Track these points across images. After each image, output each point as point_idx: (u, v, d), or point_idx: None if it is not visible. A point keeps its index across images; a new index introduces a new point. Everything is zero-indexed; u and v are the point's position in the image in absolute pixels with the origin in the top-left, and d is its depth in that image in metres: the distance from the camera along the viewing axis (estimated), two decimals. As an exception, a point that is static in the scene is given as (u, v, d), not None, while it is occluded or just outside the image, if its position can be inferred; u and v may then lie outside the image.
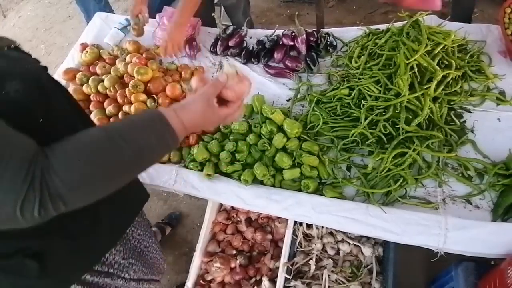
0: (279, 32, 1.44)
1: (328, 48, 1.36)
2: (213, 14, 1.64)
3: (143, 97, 1.31)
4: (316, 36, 1.39)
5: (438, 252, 0.89)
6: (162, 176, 1.16)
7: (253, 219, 1.26)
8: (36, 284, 0.71)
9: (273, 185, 1.10)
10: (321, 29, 1.41)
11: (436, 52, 0.99)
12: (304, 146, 1.11)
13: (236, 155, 1.14)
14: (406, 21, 1.07)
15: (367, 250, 1.10)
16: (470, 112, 1.06)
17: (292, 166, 1.10)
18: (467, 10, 1.41)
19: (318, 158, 1.10)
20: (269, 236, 1.20)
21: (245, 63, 1.45)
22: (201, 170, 1.13)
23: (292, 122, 1.14)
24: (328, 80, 1.30)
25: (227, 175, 1.14)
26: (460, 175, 0.97)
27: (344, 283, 1.05)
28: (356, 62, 1.19)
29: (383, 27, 1.22)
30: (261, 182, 1.11)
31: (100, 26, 1.77)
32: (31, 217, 0.44)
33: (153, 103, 1.31)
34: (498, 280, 0.80)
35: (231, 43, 1.47)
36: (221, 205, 1.32)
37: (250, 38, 1.55)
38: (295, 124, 1.13)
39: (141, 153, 0.53)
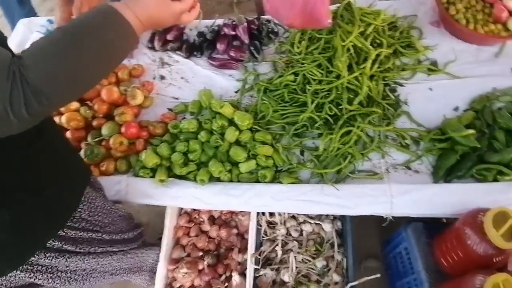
0: (220, 22, 1.40)
1: (270, 35, 1.35)
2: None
3: (75, 105, 1.19)
4: (257, 23, 1.37)
5: (387, 217, 0.96)
6: (112, 188, 1.08)
7: (216, 217, 1.24)
8: (9, 240, 0.71)
9: (231, 180, 1.09)
10: (261, 16, 1.40)
11: (368, 32, 1.04)
12: (257, 136, 1.11)
13: (189, 155, 1.10)
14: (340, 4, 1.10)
15: (327, 226, 1.16)
16: (403, 86, 1.14)
17: (248, 158, 1.09)
18: None
19: (272, 147, 1.11)
20: (235, 231, 1.20)
21: (187, 57, 1.39)
22: (153, 176, 1.07)
23: (243, 114, 1.13)
24: (273, 68, 1.31)
25: (182, 177, 1.10)
26: (399, 144, 1.05)
27: (310, 261, 1.10)
28: (298, 48, 1.20)
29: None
30: (218, 179, 1.10)
31: (23, 33, 1.58)
32: (20, 114, 0.48)
33: (87, 111, 1.20)
34: (455, 239, 0.87)
35: (169, 37, 1.39)
36: (181, 208, 1.28)
37: (191, 30, 1.48)
38: (245, 116, 1.12)
39: (102, 44, 0.56)
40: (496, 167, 0.92)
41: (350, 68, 1.08)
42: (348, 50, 1.03)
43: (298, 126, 1.11)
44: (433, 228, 1.04)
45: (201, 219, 1.22)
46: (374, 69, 1.09)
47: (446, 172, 0.97)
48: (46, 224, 0.79)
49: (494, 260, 0.81)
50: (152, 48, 1.43)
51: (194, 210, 1.26)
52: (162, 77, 1.38)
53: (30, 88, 0.48)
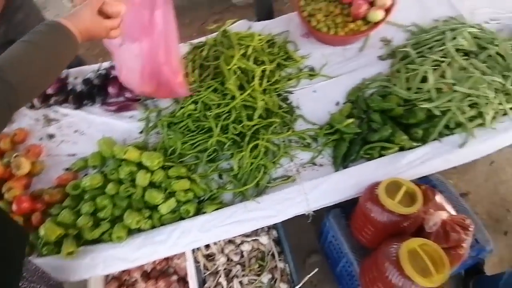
0: (107, 64, 1.34)
1: (163, 69, 1.35)
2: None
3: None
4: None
5: (309, 214, 1.04)
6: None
7: (150, 270, 1.15)
8: None
9: (154, 226, 1.03)
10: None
11: (249, 53, 1.14)
12: (170, 173, 1.08)
13: (98, 214, 1.00)
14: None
15: (264, 239, 1.19)
16: (292, 93, 1.27)
17: (166, 198, 1.05)
18: (267, 9, 1.69)
19: (189, 179, 1.09)
20: (174, 277, 1.13)
21: (77, 108, 1.28)
22: (59, 251, 0.93)
23: (150, 154, 1.09)
24: (174, 100, 1.30)
25: (96, 241, 0.99)
26: (302, 145, 1.16)
27: (256, 279, 1.11)
28: (192, 77, 1.23)
29: (203, 39, 1.30)
30: (139, 230, 1.02)
31: None
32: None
33: None
34: (363, 215, 0.97)
35: (50, 91, 1.27)
36: (107, 274, 1.15)
37: (76, 78, 1.37)
38: (153, 155, 1.08)
39: (57, 53, 0.70)
40: (378, 145, 1.09)
41: (242, 88, 1.15)
42: (235, 72, 1.10)
43: (210, 151, 1.12)
44: (350, 210, 1.16)
45: (134, 279, 1.12)
46: (265, 84, 1.19)
47: (342, 159, 1.10)
48: None
49: (403, 226, 0.91)
50: (32, 106, 1.28)
51: (123, 271, 1.15)
52: (51, 136, 1.24)
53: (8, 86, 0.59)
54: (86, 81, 1.30)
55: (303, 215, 1.04)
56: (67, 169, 1.16)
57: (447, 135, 1.10)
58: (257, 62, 1.19)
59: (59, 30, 0.70)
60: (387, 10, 1.24)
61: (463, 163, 1.11)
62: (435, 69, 1.15)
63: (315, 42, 1.38)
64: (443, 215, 0.97)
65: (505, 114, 1.13)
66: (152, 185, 1.07)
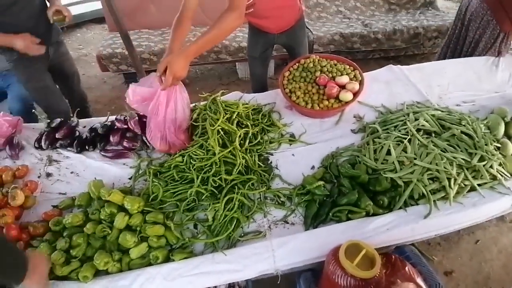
0: (112, 118, 1.53)
1: (162, 125, 1.53)
2: (33, 111, 1.58)
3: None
4: (149, 116, 1.55)
5: (277, 273, 1.04)
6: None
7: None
8: None
9: (121, 270, 1.05)
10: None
11: (233, 117, 1.32)
12: (148, 218, 1.14)
13: (72, 251, 1.04)
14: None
15: (231, 298, 1.15)
16: (273, 155, 1.40)
17: (138, 242, 1.09)
18: (262, 84, 1.97)
19: (164, 226, 1.14)
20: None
21: (79, 152, 1.43)
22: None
23: (133, 198, 1.17)
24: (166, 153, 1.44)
25: (65, 277, 1.00)
26: (276, 203, 1.23)
27: None
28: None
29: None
30: (107, 272, 1.03)
31: None
32: None
33: None
34: (327, 279, 0.97)
35: (58, 135, 1.43)
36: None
37: (84, 127, 1.56)
38: (135, 199, 1.16)
39: None
40: (346, 208, 1.15)
41: (226, 146, 1.29)
42: (218, 132, 1.26)
43: (189, 200, 1.20)
44: (320, 273, 1.15)
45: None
46: (246, 145, 1.33)
47: (312, 219, 1.15)
48: None
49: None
50: (39, 147, 1.43)
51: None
52: (49, 174, 1.36)
53: None
54: (92, 130, 1.48)
55: (275, 278, 1.04)
56: (55, 206, 1.23)
57: (412, 205, 1.17)
58: (241, 126, 1.36)
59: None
60: (356, 93, 1.46)
61: (429, 235, 1.14)
62: (398, 144, 1.29)
63: (297, 114, 1.57)
64: (410, 287, 0.97)
65: (473, 190, 1.20)
66: (128, 228, 1.12)
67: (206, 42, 1.25)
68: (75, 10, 4.75)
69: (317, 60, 1.60)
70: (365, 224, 1.11)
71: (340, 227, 1.12)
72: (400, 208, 1.15)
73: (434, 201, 1.15)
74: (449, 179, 1.18)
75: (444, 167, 1.19)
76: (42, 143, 1.41)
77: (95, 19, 4.99)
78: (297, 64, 1.64)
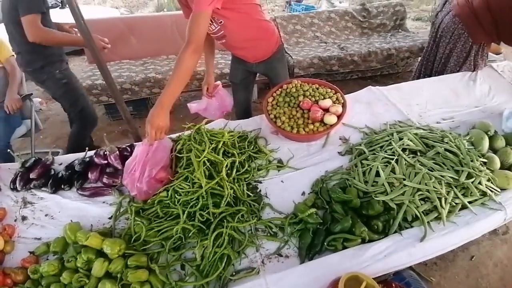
0: (91, 153, 1.46)
1: (144, 158, 1.47)
2: (8, 150, 1.49)
3: None
4: (130, 149, 1.49)
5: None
6: None
7: None
8: None
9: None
10: (134, 143, 1.54)
11: (219, 147, 1.28)
12: (129, 262, 1.05)
13: (45, 306, 0.93)
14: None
15: None
16: (261, 183, 1.36)
17: (119, 291, 0.99)
18: (245, 110, 1.96)
19: (148, 269, 1.05)
20: None
21: (54, 192, 1.33)
22: None
23: (113, 241, 1.08)
24: (149, 186, 1.37)
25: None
26: (268, 234, 1.17)
27: None
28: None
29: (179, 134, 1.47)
30: (83, 329, 0.92)
31: None
32: None
33: None
34: None
35: (32, 175, 1.34)
36: None
37: (60, 164, 1.47)
38: (116, 242, 1.07)
39: None
40: (341, 236, 1.11)
41: (212, 177, 1.24)
42: (205, 163, 1.21)
43: (175, 238, 1.12)
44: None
45: None
46: (234, 174, 1.28)
47: (307, 250, 1.10)
48: None
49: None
50: (15, 189, 1.33)
51: None
52: (24, 218, 1.26)
53: None
54: (68, 167, 1.39)
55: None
56: (31, 253, 1.14)
57: (407, 227, 1.14)
58: (227, 155, 1.32)
59: None
60: (339, 116, 1.47)
61: (427, 258, 1.11)
62: (386, 165, 1.28)
63: (283, 139, 1.56)
64: (414, 317, 0.92)
65: (464, 208, 1.19)
66: (108, 275, 1.03)
67: (174, 87, 1.24)
68: (54, 43, 4.72)
69: (299, 85, 1.62)
70: (362, 252, 1.06)
71: (337, 257, 1.06)
72: (395, 232, 1.12)
73: (428, 222, 1.14)
74: (439, 199, 1.17)
75: (434, 187, 1.18)
76: (17, 184, 1.31)
77: (75, 52, 4.96)
78: (279, 89, 1.65)
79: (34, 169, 1.35)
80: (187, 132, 1.40)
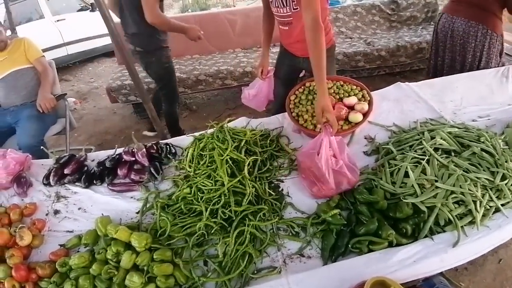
0: (120, 150, 1.52)
1: (169, 155, 1.51)
2: (41, 147, 1.59)
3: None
4: (156, 147, 1.54)
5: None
6: None
7: None
8: None
9: (127, 316, 0.98)
10: (160, 141, 1.59)
11: (241, 145, 1.28)
12: (155, 256, 1.08)
13: (76, 295, 0.98)
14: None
15: None
16: (283, 182, 1.34)
17: (146, 283, 1.03)
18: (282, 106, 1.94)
19: (173, 264, 1.08)
20: None
21: (86, 187, 1.41)
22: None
23: (140, 234, 1.12)
24: (174, 184, 1.41)
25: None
26: (290, 234, 1.16)
27: None
28: (191, 163, 1.36)
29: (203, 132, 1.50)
30: (112, 318, 0.97)
31: None
32: None
33: None
34: None
35: (67, 171, 1.42)
36: None
37: (92, 161, 1.55)
38: (142, 236, 1.11)
39: None
40: (366, 238, 1.07)
41: (234, 175, 1.25)
42: (227, 161, 1.22)
43: (198, 235, 1.14)
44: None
45: None
46: (256, 173, 1.28)
47: (330, 252, 1.07)
48: None
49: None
50: (48, 184, 1.42)
51: None
52: (56, 212, 1.33)
53: None
54: (100, 164, 1.46)
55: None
56: (62, 245, 1.20)
57: (439, 232, 1.08)
58: (249, 153, 1.32)
59: None
60: (365, 114, 1.41)
61: (459, 263, 1.04)
62: (416, 165, 1.22)
63: (306, 137, 1.53)
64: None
65: (497, 211, 1.12)
66: (135, 267, 1.07)
67: (322, 70, 1.31)
68: (86, 46, 5.01)
69: (323, 82, 1.58)
70: (389, 256, 1.02)
71: (362, 260, 1.03)
72: (426, 236, 1.06)
73: (461, 227, 1.06)
74: (474, 202, 1.09)
75: (469, 189, 1.11)
76: (51, 180, 1.40)
77: (106, 53, 5.23)
78: (302, 87, 1.62)
79: (68, 165, 1.44)
80: (210, 131, 1.42)
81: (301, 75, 1.96)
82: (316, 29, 1.28)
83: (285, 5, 1.45)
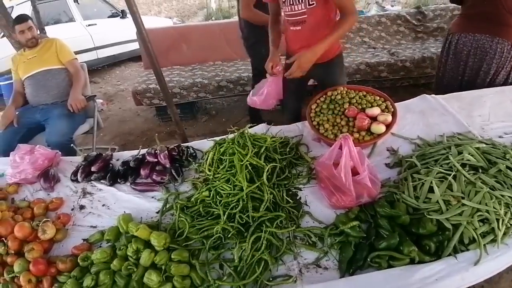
0: (144, 151, 1.58)
1: (189, 158, 1.55)
2: (71, 145, 1.68)
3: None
4: (178, 150, 1.58)
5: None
6: None
7: None
8: None
9: (144, 312, 1.00)
10: (181, 144, 1.63)
11: (261, 152, 1.30)
12: (173, 256, 1.10)
13: (96, 289, 1.02)
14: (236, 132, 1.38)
15: None
16: (301, 190, 1.34)
17: (163, 282, 1.05)
18: (295, 117, 1.93)
19: (189, 264, 1.10)
20: None
21: (111, 185, 1.46)
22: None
23: (159, 234, 1.15)
24: (193, 186, 1.44)
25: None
26: (307, 243, 1.14)
27: None
28: (209, 171, 1.38)
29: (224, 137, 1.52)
30: (130, 313, 0.99)
31: None
32: None
33: (2, 247, 1.15)
34: None
35: (94, 168, 1.49)
36: None
37: (117, 160, 1.62)
38: (162, 235, 1.14)
39: None
40: (387, 253, 1.04)
41: (253, 181, 1.26)
42: (247, 167, 1.23)
43: (215, 238, 1.15)
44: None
45: None
46: (274, 179, 1.29)
47: (348, 264, 1.05)
48: None
49: None
50: (75, 180, 1.49)
51: None
52: (82, 207, 1.40)
53: None
54: (124, 163, 1.52)
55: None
56: (85, 240, 1.25)
57: (462, 250, 1.03)
58: (268, 160, 1.33)
59: None
60: (388, 125, 1.39)
61: (478, 281, 1.00)
62: (441, 181, 1.18)
63: (325, 146, 1.52)
64: None
65: None
66: (153, 266, 1.09)
67: (331, 41, 1.43)
68: (115, 51, 5.26)
69: (345, 92, 1.57)
70: (410, 274, 0.98)
71: (381, 276, 1.00)
72: (449, 254, 1.02)
73: (484, 245, 1.02)
74: (497, 220, 1.05)
75: (493, 207, 1.06)
76: (78, 176, 1.48)
77: (132, 58, 5.46)
78: (324, 96, 1.61)
79: (96, 163, 1.51)
80: (230, 136, 1.45)
81: (309, 83, 1.96)
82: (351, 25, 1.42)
83: (300, 1, 1.46)
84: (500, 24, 1.81)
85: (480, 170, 1.22)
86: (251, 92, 2.04)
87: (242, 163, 1.23)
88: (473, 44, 1.90)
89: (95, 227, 1.32)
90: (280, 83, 1.92)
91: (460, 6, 2.06)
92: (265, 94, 1.93)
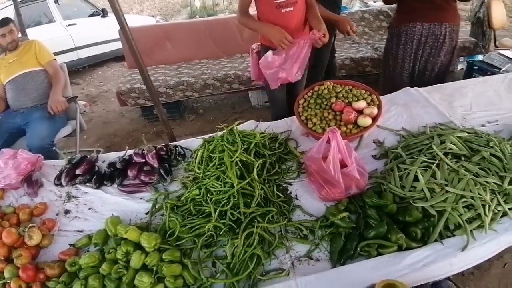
0: (131, 152, 1.55)
1: (178, 157, 1.53)
2: (53, 148, 1.63)
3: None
4: (166, 149, 1.56)
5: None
6: None
7: None
8: None
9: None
10: (169, 143, 1.61)
11: (250, 148, 1.29)
12: (164, 256, 1.09)
13: (85, 294, 1.00)
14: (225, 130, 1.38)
15: None
16: (292, 185, 1.35)
17: (155, 283, 1.03)
18: (283, 112, 1.93)
19: (181, 264, 1.09)
20: None
21: (97, 187, 1.43)
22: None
23: (149, 235, 1.13)
24: (183, 185, 1.42)
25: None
26: (298, 237, 1.15)
27: None
28: (199, 168, 1.37)
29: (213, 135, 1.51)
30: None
31: None
32: None
33: None
34: None
35: (78, 171, 1.45)
36: None
37: (103, 162, 1.58)
38: (152, 236, 1.12)
39: None
40: (375, 242, 1.06)
41: (243, 177, 1.26)
42: (237, 164, 1.23)
43: (207, 236, 1.15)
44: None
45: None
46: (264, 175, 1.29)
47: (339, 255, 1.07)
48: None
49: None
50: (59, 184, 1.45)
51: None
52: (67, 211, 1.36)
53: None
54: (111, 165, 1.49)
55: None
56: (72, 245, 1.21)
57: (448, 236, 1.07)
58: (258, 156, 1.33)
59: None
60: (374, 118, 1.42)
61: (467, 267, 1.03)
62: (425, 170, 1.21)
63: (314, 141, 1.53)
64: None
65: (504, 215, 1.11)
66: (144, 267, 1.08)
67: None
68: (97, 50, 5.11)
69: (331, 86, 1.59)
70: (398, 260, 1.01)
71: (371, 264, 1.02)
72: (436, 240, 1.06)
73: (470, 231, 1.06)
74: (483, 206, 1.09)
75: (478, 193, 1.10)
76: (62, 180, 1.43)
77: (115, 58, 5.32)
78: (311, 91, 1.63)
79: (80, 166, 1.47)
80: (220, 133, 1.44)
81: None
82: None
83: None
84: (444, 10, 1.88)
85: (463, 158, 1.27)
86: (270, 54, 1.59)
87: (232, 160, 1.22)
88: (423, 33, 1.95)
89: (81, 231, 1.29)
90: (306, 52, 1.56)
91: (393, 6, 2.15)
92: (290, 55, 1.54)
